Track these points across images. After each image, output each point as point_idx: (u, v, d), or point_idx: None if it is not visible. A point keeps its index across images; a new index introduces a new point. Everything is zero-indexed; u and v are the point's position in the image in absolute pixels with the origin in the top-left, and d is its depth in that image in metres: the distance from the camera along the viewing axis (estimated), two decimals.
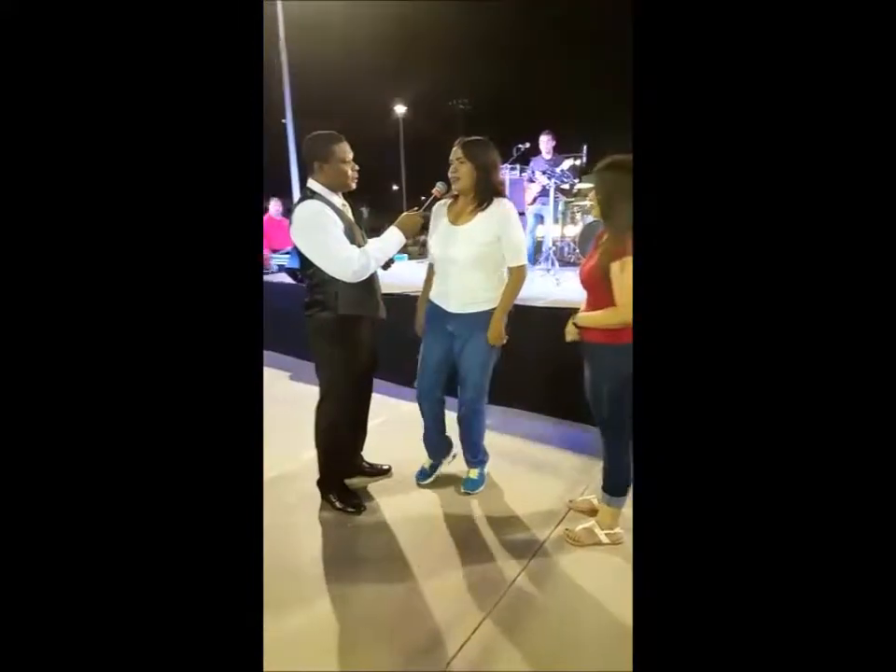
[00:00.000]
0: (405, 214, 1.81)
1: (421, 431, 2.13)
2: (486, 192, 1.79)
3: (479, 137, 1.79)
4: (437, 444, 2.15)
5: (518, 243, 1.82)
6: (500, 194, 1.83)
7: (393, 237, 1.77)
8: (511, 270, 1.85)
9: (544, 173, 4.75)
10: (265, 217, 5.74)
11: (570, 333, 1.65)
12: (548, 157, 4.86)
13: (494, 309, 1.85)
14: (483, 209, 1.79)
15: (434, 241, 1.89)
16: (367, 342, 1.91)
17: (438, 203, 1.90)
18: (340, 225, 1.72)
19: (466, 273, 1.83)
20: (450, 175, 1.78)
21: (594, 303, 1.57)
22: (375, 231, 1.96)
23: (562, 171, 4.70)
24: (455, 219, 1.84)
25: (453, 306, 1.88)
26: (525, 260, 1.85)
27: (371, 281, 1.84)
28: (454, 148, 1.77)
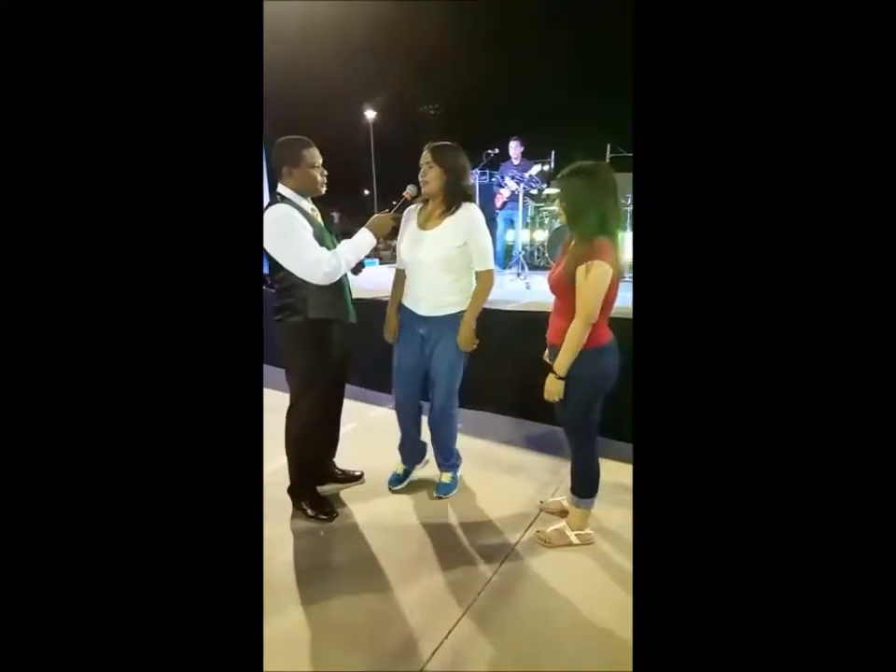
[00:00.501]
0: (376, 216, 1.82)
1: (392, 436, 2.13)
2: (455, 197, 1.80)
3: (448, 142, 1.82)
4: (412, 450, 2.15)
5: (485, 247, 1.84)
6: (469, 199, 1.85)
7: (364, 238, 1.77)
8: (478, 274, 1.87)
9: (513, 178, 4.82)
10: None
11: (556, 392, 1.56)
12: (517, 162, 4.93)
13: (463, 311, 1.87)
14: (452, 213, 1.80)
15: (404, 245, 1.90)
16: (338, 346, 1.89)
17: (408, 207, 1.91)
18: (309, 228, 1.71)
19: (435, 276, 1.84)
20: (419, 178, 1.80)
21: (562, 308, 1.60)
22: (346, 235, 1.95)
23: (530, 176, 4.78)
24: (424, 224, 1.85)
25: (423, 309, 1.89)
26: (492, 264, 1.87)
27: (341, 285, 1.84)
28: (423, 152, 1.79)
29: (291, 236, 1.67)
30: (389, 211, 1.83)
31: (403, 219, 1.92)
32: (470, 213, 1.81)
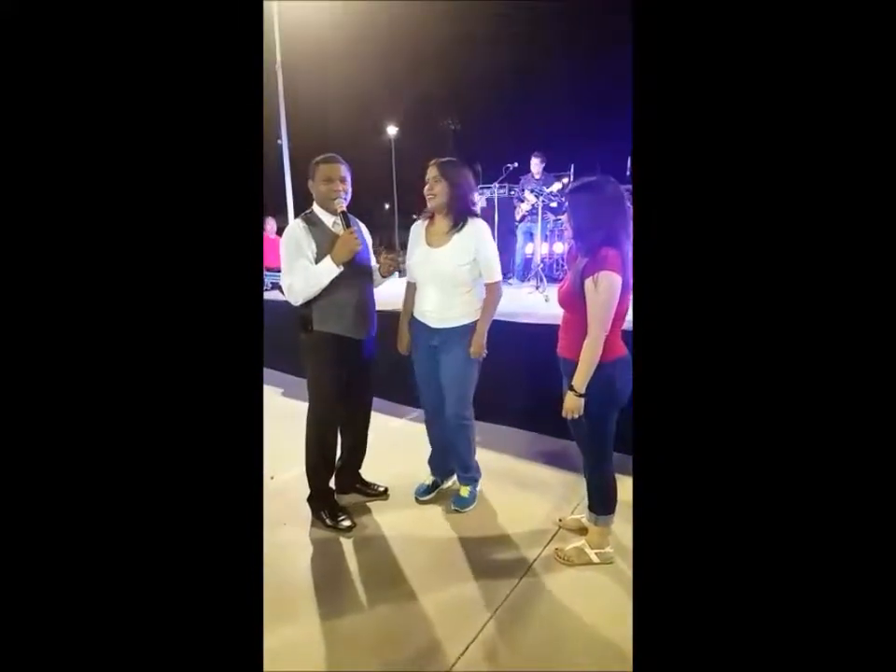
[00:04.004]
0: (341, 237, 1.80)
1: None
2: (461, 212, 1.86)
3: (453, 158, 1.87)
4: (442, 464, 2.16)
5: (493, 260, 1.89)
6: (474, 214, 1.90)
7: (324, 266, 1.77)
8: (487, 286, 1.92)
9: (532, 191, 4.85)
10: None
11: (576, 409, 1.54)
12: (538, 176, 4.96)
13: (472, 323, 1.91)
14: (459, 230, 1.85)
15: (413, 263, 1.95)
16: (347, 360, 1.91)
17: (415, 223, 1.99)
18: (310, 247, 1.79)
19: (444, 291, 1.89)
20: (426, 193, 1.85)
21: (571, 321, 1.60)
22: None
23: (550, 192, 4.80)
24: (432, 240, 1.91)
25: (433, 321, 1.94)
26: (500, 276, 1.93)
27: (350, 299, 1.86)
28: (429, 168, 1.84)
29: (286, 254, 1.80)
30: (350, 230, 1.79)
31: (411, 237, 1.98)
32: (477, 228, 1.86)
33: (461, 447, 2.03)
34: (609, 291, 1.44)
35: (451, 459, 2.11)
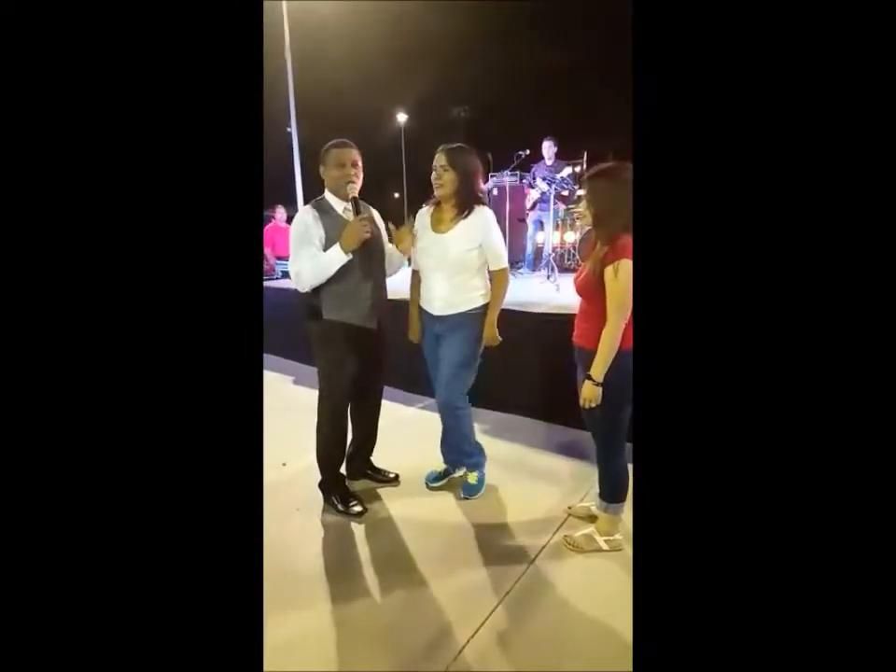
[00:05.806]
0: (349, 224, 1.77)
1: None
2: (468, 200, 1.85)
3: (462, 144, 1.86)
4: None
5: (499, 248, 1.89)
6: (481, 202, 1.89)
7: (331, 254, 1.76)
8: (494, 273, 1.92)
9: (544, 179, 4.79)
10: (271, 225, 5.80)
11: (594, 398, 1.54)
12: (550, 163, 4.90)
13: (475, 309, 1.91)
14: (465, 217, 1.85)
15: (419, 249, 1.94)
16: (360, 349, 1.89)
17: (420, 211, 1.97)
18: (319, 234, 1.78)
19: (449, 278, 1.89)
20: (433, 181, 1.84)
21: (588, 310, 1.59)
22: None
23: (562, 178, 4.74)
24: (437, 226, 1.90)
25: (437, 309, 1.94)
26: (506, 263, 1.92)
27: (359, 288, 1.85)
28: (437, 155, 1.83)
29: (294, 241, 1.80)
30: (361, 217, 1.77)
31: (416, 222, 1.96)
32: (484, 216, 1.85)
33: (454, 433, 2.03)
34: (629, 279, 1.43)
35: (451, 447, 2.10)
